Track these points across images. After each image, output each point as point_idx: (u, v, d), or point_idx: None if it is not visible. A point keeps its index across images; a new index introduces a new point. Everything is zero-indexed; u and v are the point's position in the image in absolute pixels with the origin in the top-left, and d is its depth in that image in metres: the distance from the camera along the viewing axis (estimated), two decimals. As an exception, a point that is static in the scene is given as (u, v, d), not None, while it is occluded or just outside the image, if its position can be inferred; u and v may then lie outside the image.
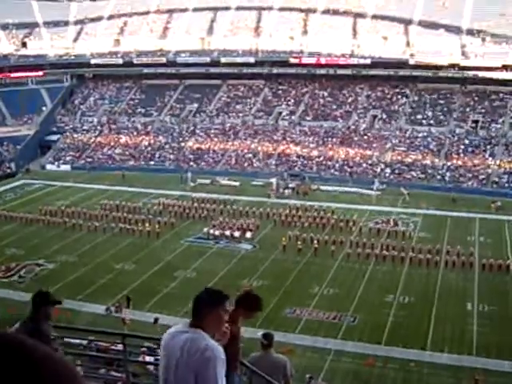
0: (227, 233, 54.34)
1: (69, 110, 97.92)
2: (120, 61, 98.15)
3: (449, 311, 39.42)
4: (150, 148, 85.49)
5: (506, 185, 68.25)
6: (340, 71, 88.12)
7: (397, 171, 73.41)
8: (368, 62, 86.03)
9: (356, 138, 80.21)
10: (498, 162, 71.64)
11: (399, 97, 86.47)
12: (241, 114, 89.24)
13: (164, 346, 4.58)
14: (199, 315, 4.61)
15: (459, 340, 35.96)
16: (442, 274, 45.60)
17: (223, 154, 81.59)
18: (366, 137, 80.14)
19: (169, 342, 4.53)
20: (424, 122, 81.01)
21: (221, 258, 49.75)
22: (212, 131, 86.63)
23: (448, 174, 71.72)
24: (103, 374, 11.98)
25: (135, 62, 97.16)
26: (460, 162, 72.84)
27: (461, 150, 74.92)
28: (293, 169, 76.26)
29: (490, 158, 72.61)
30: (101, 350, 15.41)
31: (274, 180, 69.69)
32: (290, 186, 70.35)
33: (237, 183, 71.44)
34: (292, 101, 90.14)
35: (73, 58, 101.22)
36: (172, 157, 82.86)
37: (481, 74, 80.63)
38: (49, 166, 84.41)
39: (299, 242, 50.98)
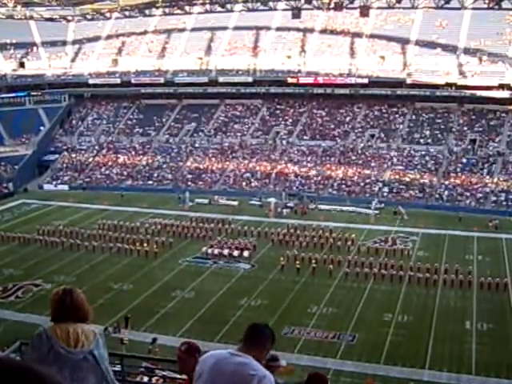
0: (225, 252, 54.30)
1: (67, 130, 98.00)
2: (118, 81, 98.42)
3: (447, 330, 39.30)
4: (148, 168, 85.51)
5: (504, 203, 68.31)
6: (338, 90, 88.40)
7: (395, 190, 73.47)
8: (365, 81, 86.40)
9: (354, 158, 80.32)
10: (495, 181, 71.71)
11: (397, 116, 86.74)
12: (239, 134, 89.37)
13: (209, 368, 4.25)
14: (259, 348, 4.40)
15: (458, 359, 35.82)
16: (440, 293, 45.55)
17: (221, 174, 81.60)
18: (363, 156, 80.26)
19: (214, 365, 4.22)
20: (421, 140, 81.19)
21: (219, 278, 49.66)
22: (210, 151, 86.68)
23: (446, 192, 71.77)
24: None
25: (133, 81, 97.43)
26: (458, 181, 72.92)
27: (458, 169, 75.05)
28: (291, 188, 76.28)
29: (488, 177, 72.71)
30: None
31: (272, 199, 69.65)
32: (289, 205, 70.38)
33: (235, 203, 71.47)
34: (290, 120, 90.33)
35: (71, 77, 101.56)
36: (170, 176, 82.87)
37: (478, 92, 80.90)
38: (46, 186, 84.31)
39: (297, 262, 50.90)
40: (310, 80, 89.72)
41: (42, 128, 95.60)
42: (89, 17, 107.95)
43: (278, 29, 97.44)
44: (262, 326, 4.62)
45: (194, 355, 5.30)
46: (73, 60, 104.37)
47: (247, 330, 4.53)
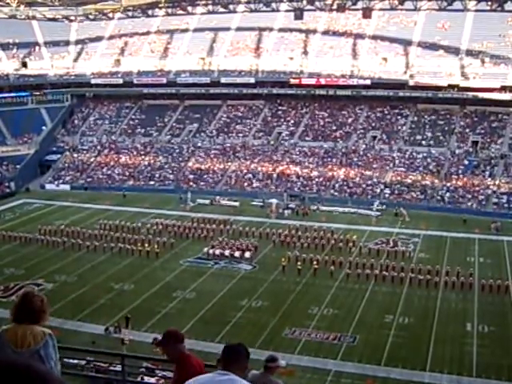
0: (227, 253, 54.28)
1: (69, 130, 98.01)
2: (120, 81, 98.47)
3: (448, 332, 39.28)
4: (149, 168, 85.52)
5: (506, 205, 68.25)
6: (340, 92, 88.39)
7: (396, 192, 73.42)
8: (368, 82, 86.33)
9: (355, 159, 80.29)
10: (497, 183, 71.66)
11: (399, 117, 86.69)
12: (240, 135, 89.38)
13: None
14: (239, 366, 4.51)
15: (459, 361, 35.81)
16: (441, 295, 45.49)
17: (223, 175, 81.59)
18: (365, 157, 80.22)
19: None
20: (423, 142, 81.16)
21: (220, 279, 49.64)
22: (212, 151, 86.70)
23: (447, 194, 71.72)
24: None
25: (135, 82, 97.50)
26: (459, 183, 72.87)
27: (460, 171, 74.99)
28: (292, 189, 76.26)
29: (490, 179, 72.64)
30: (99, 370, 15.38)
31: (273, 200, 69.64)
32: (290, 206, 70.35)
33: (236, 203, 71.44)
34: (292, 121, 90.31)
35: (73, 77, 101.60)
36: (172, 177, 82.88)
37: (480, 94, 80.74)
38: (48, 186, 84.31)
39: (299, 263, 50.84)
40: (312, 81, 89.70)
41: (44, 128, 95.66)
42: (91, 17, 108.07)
43: (281, 30, 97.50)
44: (237, 346, 4.81)
45: (162, 343, 5.77)
46: (75, 60, 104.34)
47: (223, 351, 4.70)
